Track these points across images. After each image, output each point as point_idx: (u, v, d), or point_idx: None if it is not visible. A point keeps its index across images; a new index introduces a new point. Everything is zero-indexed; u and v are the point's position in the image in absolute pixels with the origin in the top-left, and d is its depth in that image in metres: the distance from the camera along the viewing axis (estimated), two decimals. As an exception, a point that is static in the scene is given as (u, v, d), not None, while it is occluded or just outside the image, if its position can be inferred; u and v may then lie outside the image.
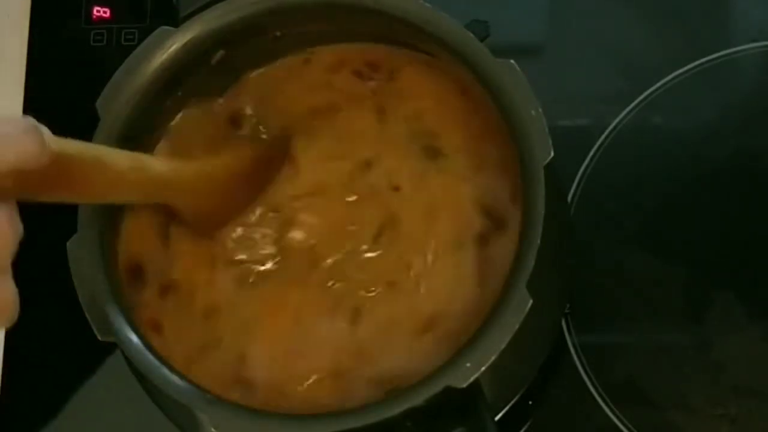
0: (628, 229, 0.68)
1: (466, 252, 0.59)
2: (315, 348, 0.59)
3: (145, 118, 0.61)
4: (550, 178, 0.55)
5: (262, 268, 0.61)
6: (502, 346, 0.53)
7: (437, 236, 0.60)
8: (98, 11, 0.75)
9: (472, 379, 0.52)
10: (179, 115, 0.62)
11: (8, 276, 0.46)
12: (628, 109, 0.70)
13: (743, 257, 0.67)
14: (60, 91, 0.75)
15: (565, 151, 0.59)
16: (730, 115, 0.70)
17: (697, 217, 0.68)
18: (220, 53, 0.62)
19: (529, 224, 0.55)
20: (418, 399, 0.52)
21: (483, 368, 0.52)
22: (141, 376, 0.57)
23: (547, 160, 0.55)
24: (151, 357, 0.55)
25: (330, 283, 0.60)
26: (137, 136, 0.60)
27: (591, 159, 0.69)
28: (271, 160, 0.62)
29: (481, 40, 0.58)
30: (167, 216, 0.61)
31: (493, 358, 0.53)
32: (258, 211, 0.62)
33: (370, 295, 0.60)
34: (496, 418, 0.60)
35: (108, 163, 0.53)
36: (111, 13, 0.75)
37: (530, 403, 0.64)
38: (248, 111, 0.64)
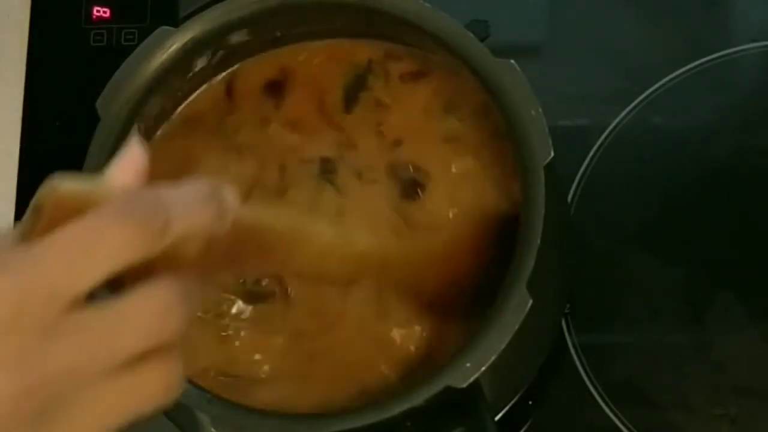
0: (628, 229, 0.68)
1: None
2: None
3: (145, 118, 0.61)
4: (550, 178, 0.55)
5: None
6: (502, 346, 0.53)
7: None
8: (98, 11, 0.75)
9: (472, 379, 0.52)
10: None
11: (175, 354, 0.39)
12: (628, 109, 0.70)
13: (743, 257, 0.67)
14: (60, 91, 0.75)
15: (565, 151, 0.59)
16: (730, 115, 0.70)
17: (697, 217, 0.68)
18: (220, 53, 0.62)
19: (529, 224, 0.55)
20: (418, 399, 0.52)
21: (483, 368, 0.52)
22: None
23: (547, 160, 0.55)
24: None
25: None
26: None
27: (591, 159, 0.69)
28: None
29: (481, 40, 0.58)
30: None
31: (493, 358, 0.53)
32: None
33: None
34: (496, 418, 0.60)
35: (309, 233, 0.49)
36: (111, 13, 0.75)
37: (530, 403, 0.64)
38: None
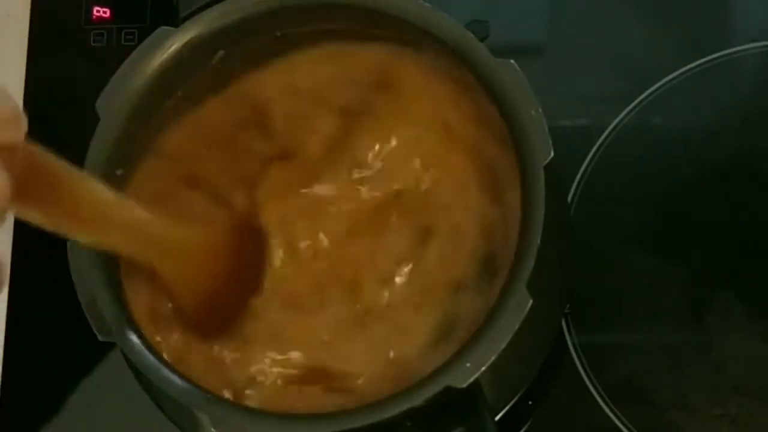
0: (628, 229, 0.68)
1: None
2: None
3: (145, 118, 0.61)
4: (550, 178, 0.55)
5: None
6: (502, 346, 0.53)
7: None
8: (98, 11, 0.75)
9: (472, 379, 0.52)
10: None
11: None
12: (628, 109, 0.70)
13: (743, 257, 0.67)
14: (60, 91, 0.75)
15: (565, 151, 0.59)
16: (730, 115, 0.70)
17: (697, 217, 0.68)
18: (220, 53, 0.62)
19: (529, 224, 0.55)
20: (418, 399, 0.52)
21: (483, 368, 0.52)
22: (141, 376, 0.57)
23: (547, 160, 0.55)
24: (151, 357, 0.55)
25: None
26: (137, 136, 0.60)
27: (591, 159, 0.69)
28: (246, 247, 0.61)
29: (481, 40, 0.58)
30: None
31: (493, 358, 0.53)
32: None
33: None
34: (496, 418, 0.60)
35: (93, 187, 0.52)
36: (111, 13, 0.75)
37: (530, 403, 0.64)
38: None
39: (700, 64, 0.70)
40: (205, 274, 0.59)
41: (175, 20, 0.61)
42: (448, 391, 0.52)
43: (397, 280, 0.61)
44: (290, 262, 0.62)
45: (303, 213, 0.62)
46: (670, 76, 0.70)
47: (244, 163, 0.63)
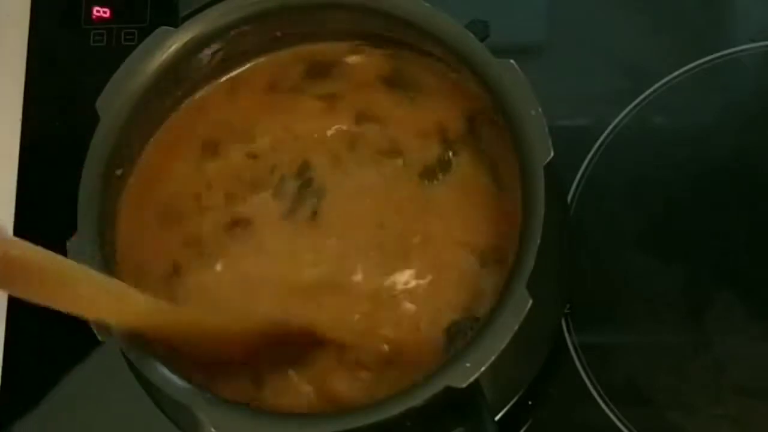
0: (628, 229, 0.68)
1: None
2: None
3: (145, 118, 0.61)
4: (550, 178, 0.55)
5: None
6: (502, 346, 0.53)
7: None
8: (98, 11, 0.75)
9: (472, 379, 0.52)
10: None
11: None
12: (628, 109, 0.70)
13: (743, 257, 0.67)
14: (60, 91, 0.75)
15: (565, 151, 0.59)
16: (730, 115, 0.70)
17: (698, 217, 0.68)
18: (220, 53, 0.62)
19: (529, 224, 0.55)
20: (418, 399, 0.52)
21: (483, 368, 0.52)
22: (141, 376, 0.57)
23: (547, 160, 0.55)
24: (151, 357, 0.55)
25: None
26: (137, 136, 0.60)
27: (591, 159, 0.69)
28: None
29: (481, 40, 0.58)
30: None
31: (493, 358, 0.53)
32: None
33: None
34: (496, 418, 0.60)
35: (71, 282, 0.50)
36: (111, 13, 0.75)
37: (530, 403, 0.64)
38: None
39: (700, 64, 0.70)
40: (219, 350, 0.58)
41: (175, 20, 0.61)
42: (448, 391, 0.52)
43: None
44: None
45: None
46: (670, 76, 0.70)
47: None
